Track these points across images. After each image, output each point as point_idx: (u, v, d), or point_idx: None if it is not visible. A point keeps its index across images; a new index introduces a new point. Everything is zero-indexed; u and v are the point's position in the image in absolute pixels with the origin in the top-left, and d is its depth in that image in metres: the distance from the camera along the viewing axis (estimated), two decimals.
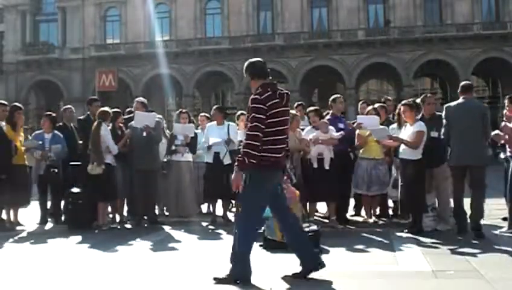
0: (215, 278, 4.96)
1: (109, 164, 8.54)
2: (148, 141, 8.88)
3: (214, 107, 9.76)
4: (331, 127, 8.40)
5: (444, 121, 7.74)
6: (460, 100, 7.74)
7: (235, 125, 9.46)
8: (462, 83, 8.07)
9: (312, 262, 5.07)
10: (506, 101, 8.37)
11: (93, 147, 8.47)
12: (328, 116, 8.90)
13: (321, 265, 5.06)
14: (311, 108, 9.03)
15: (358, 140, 8.64)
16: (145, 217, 8.98)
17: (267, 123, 4.82)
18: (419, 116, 7.98)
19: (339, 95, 9.42)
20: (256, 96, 4.91)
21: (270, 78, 5.09)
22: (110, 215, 9.09)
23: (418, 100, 8.41)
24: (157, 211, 9.47)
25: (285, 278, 5.06)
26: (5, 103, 9.22)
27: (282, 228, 5.26)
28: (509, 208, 7.57)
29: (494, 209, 8.33)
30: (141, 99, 9.75)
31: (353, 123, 8.91)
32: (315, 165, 8.23)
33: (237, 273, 4.91)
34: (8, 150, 8.53)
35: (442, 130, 7.78)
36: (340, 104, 9.01)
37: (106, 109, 8.97)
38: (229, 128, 9.06)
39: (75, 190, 8.83)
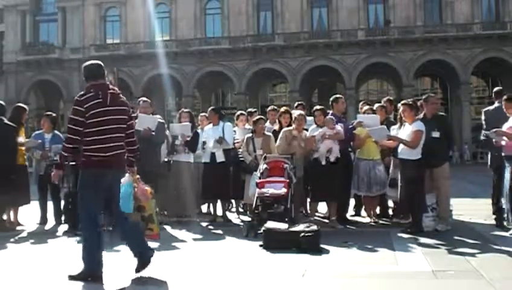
0: (69, 276, 5.07)
1: None
2: (150, 143, 8.89)
3: (210, 109, 9.78)
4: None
5: (484, 124, 8.08)
6: (497, 104, 8.07)
7: (230, 125, 9.48)
8: (495, 89, 8.63)
9: (143, 257, 5.13)
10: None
11: None
12: (328, 116, 8.91)
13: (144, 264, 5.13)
14: (318, 107, 9.03)
15: (354, 141, 8.63)
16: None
17: (88, 124, 4.94)
18: (421, 116, 8.01)
19: (340, 96, 9.40)
20: (77, 97, 5.06)
21: (104, 80, 5.21)
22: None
23: (421, 100, 8.44)
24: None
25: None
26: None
27: (117, 223, 5.35)
28: (507, 208, 7.63)
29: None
30: (147, 100, 9.69)
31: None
32: (323, 162, 8.22)
33: (87, 270, 5.02)
34: (16, 151, 8.56)
35: (482, 132, 8.02)
36: (342, 104, 8.99)
37: None
38: (223, 128, 9.09)
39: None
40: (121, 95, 5.22)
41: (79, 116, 4.94)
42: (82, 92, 5.09)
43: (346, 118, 10.54)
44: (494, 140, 7.93)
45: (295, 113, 8.91)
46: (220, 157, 8.98)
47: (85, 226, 5.13)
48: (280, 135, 8.69)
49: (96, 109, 4.95)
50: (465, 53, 41.75)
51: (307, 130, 8.74)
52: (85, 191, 5.07)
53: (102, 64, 5.34)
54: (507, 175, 7.58)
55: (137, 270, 5.19)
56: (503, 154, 7.74)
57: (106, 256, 6.48)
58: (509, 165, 7.54)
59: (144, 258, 5.17)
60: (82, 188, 5.09)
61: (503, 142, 7.67)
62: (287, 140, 8.50)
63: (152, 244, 7.20)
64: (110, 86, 5.16)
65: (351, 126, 8.66)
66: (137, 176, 5.39)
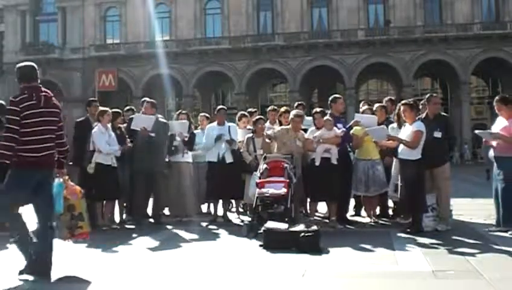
0: (19, 271, 5.18)
1: (102, 164, 8.48)
2: (151, 144, 8.89)
3: (220, 108, 9.74)
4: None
5: None
6: None
7: (235, 126, 9.48)
8: None
9: (38, 267, 5.15)
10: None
11: (87, 148, 8.53)
12: (326, 117, 8.90)
13: (43, 273, 5.12)
14: (317, 109, 9.02)
15: (352, 141, 8.62)
16: (149, 218, 9.01)
17: (23, 124, 5.03)
18: (423, 116, 8.01)
19: (339, 96, 9.38)
20: (12, 98, 5.15)
21: (37, 82, 5.29)
22: (109, 215, 9.08)
23: (423, 101, 8.44)
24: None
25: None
26: None
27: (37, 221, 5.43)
28: (496, 208, 7.65)
29: (494, 209, 8.29)
30: (151, 100, 9.68)
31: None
32: (317, 163, 8.21)
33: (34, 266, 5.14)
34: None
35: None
36: (341, 105, 8.96)
37: (102, 109, 8.94)
38: (230, 129, 9.10)
39: None
40: (53, 98, 5.33)
41: (15, 116, 5.03)
42: (16, 94, 5.19)
43: (346, 118, 10.53)
44: (484, 139, 7.95)
45: (292, 113, 8.85)
46: (229, 158, 8.98)
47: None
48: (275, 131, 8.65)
49: (31, 110, 5.05)
50: (465, 53, 41.76)
51: (306, 130, 8.75)
52: (13, 190, 5.12)
53: (35, 66, 5.44)
54: (497, 176, 7.60)
55: (24, 272, 5.24)
56: (493, 154, 7.74)
57: (103, 256, 6.49)
58: (500, 166, 7.54)
59: (40, 260, 5.18)
60: (9, 187, 5.11)
61: (493, 143, 7.68)
62: (282, 138, 8.43)
63: (152, 244, 7.24)
64: (43, 89, 5.25)
65: (347, 126, 8.62)
66: (67, 177, 5.43)
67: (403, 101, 8.11)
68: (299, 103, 10.54)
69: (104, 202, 8.71)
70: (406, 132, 7.70)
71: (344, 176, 8.46)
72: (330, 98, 9.04)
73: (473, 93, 45.17)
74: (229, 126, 9.20)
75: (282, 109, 9.59)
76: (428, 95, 8.65)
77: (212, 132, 9.16)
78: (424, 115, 8.08)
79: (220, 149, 8.99)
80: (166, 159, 9.42)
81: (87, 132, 8.71)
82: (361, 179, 8.51)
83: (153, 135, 8.90)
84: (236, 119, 10.07)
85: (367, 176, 8.48)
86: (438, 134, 7.84)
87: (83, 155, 8.65)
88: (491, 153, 7.81)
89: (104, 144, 8.46)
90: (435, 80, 47.44)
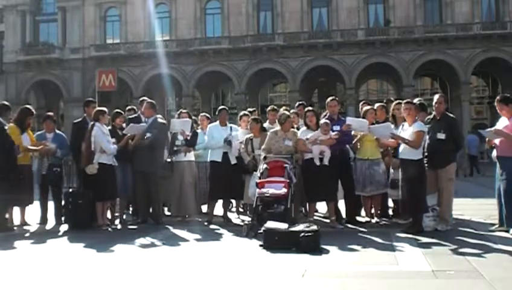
0: None
1: (104, 164, 8.49)
2: (150, 144, 8.89)
3: (221, 108, 9.73)
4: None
5: None
6: None
7: (237, 127, 9.48)
8: None
9: None
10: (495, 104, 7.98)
11: (84, 148, 8.53)
12: (323, 120, 8.89)
13: None
14: (309, 108, 9.01)
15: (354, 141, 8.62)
16: (151, 218, 9.04)
17: None
18: (431, 117, 8.04)
19: (331, 98, 9.20)
20: None
21: None
22: (109, 216, 9.09)
23: (417, 100, 8.45)
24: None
25: None
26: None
27: None
28: (499, 208, 7.65)
29: (494, 209, 8.30)
30: (150, 100, 9.67)
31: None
32: (318, 163, 8.21)
33: None
34: (13, 150, 8.47)
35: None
36: (335, 106, 8.89)
37: (100, 108, 8.94)
38: (231, 130, 9.13)
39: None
40: None
41: None
42: None
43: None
44: (487, 139, 7.94)
45: (280, 113, 8.72)
46: (234, 159, 8.99)
47: None
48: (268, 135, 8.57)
49: None
50: (465, 53, 41.72)
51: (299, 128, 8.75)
52: None
53: None
54: (500, 177, 7.59)
55: None
56: (495, 154, 7.73)
57: (102, 256, 6.50)
58: (502, 165, 7.53)
59: None
60: None
61: (496, 141, 7.67)
62: (270, 142, 8.30)
63: (152, 244, 7.24)
64: None
65: (339, 130, 8.54)
66: None
67: (406, 100, 8.12)
68: (300, 102, 10.53)
69: (104, 202, 8.72)
70: (407, 132, 7.70)
71: (345, 177, 8.46)
72: (326, 101, 9.04)
73: (473, 93, 45.15)
74: (230, 127, 9.23)
75: (282, 109, 9.59)
76: (436, 95, 8.63)
77: (215, 132, 9.16)
78: (432, 116, 8.13)
79: (228, 150, 8.99)
80: (169, 160, 9.41)
81: (85, 132, 8.72)
82: (359, 179, 8.52)
83: (148, 135, 8.90)
84: (238, 119, 10.08)
85: (364, 175, 8.49)
86: (441, 135, 7.84)
87: (81, 155, 8.68)
88: (494, 153, 7.82)
89: (108, 144, 8.49)
90: (435, 80, 47.38)
